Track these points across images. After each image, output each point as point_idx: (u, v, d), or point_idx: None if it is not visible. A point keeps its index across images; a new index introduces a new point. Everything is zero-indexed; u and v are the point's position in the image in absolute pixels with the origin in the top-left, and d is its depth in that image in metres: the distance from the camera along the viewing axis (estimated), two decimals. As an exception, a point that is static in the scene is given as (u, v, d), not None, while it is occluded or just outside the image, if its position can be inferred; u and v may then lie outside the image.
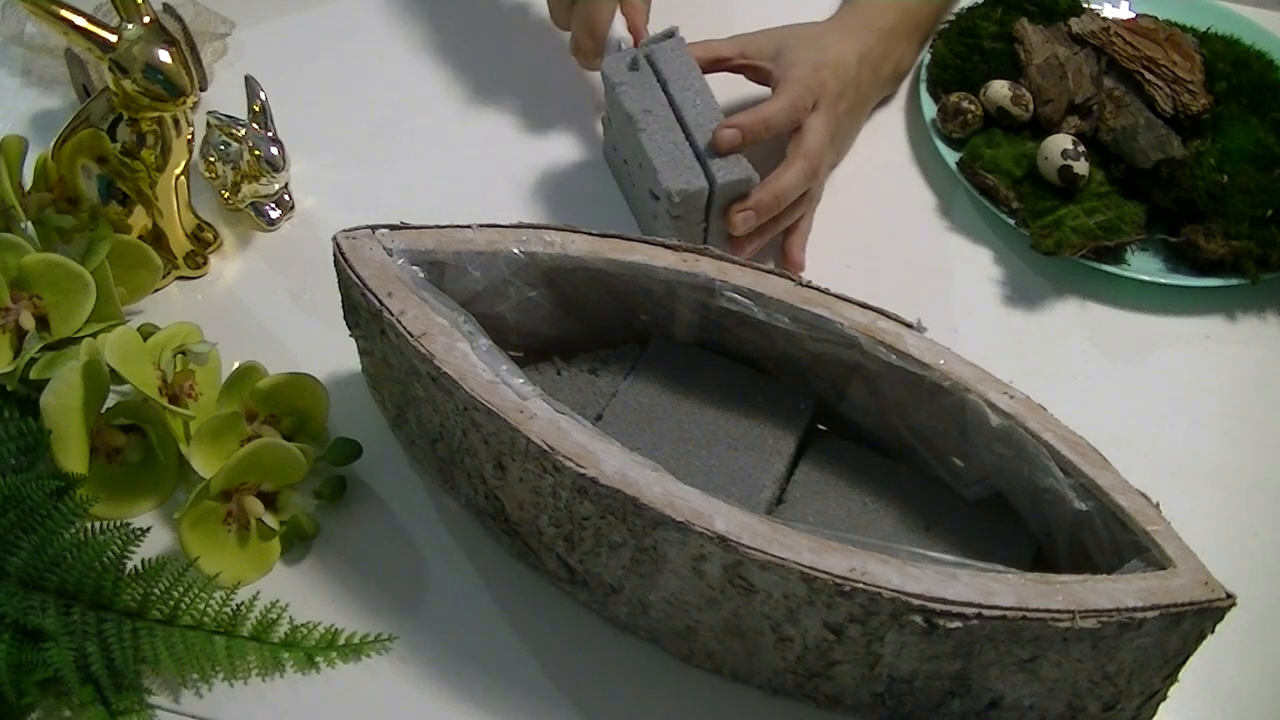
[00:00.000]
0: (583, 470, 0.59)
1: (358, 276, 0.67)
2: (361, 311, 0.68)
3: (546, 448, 0.60)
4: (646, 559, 0.61)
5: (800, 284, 0.69)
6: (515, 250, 0.70)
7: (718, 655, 0.64)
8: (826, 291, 0.69)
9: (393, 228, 0.69)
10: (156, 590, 0.65)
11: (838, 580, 0.56)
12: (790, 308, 0.68)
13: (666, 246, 0.70)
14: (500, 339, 0.66)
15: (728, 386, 0.73)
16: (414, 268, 0.68)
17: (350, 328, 0.71)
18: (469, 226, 0.70)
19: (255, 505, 0.68)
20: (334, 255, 0.68)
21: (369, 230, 0.69)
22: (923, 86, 0.94)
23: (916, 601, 0.56)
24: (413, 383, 0.67)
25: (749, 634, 0.61)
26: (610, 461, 0.60)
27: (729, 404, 0.72)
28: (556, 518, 0.63)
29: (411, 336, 0.64)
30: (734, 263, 0.70)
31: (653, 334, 0.75)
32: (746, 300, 0.69)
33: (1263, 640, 0.69)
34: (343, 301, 0.70)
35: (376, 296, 0.66)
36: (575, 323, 0.73)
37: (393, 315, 0.65)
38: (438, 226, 0.70)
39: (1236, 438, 0.79)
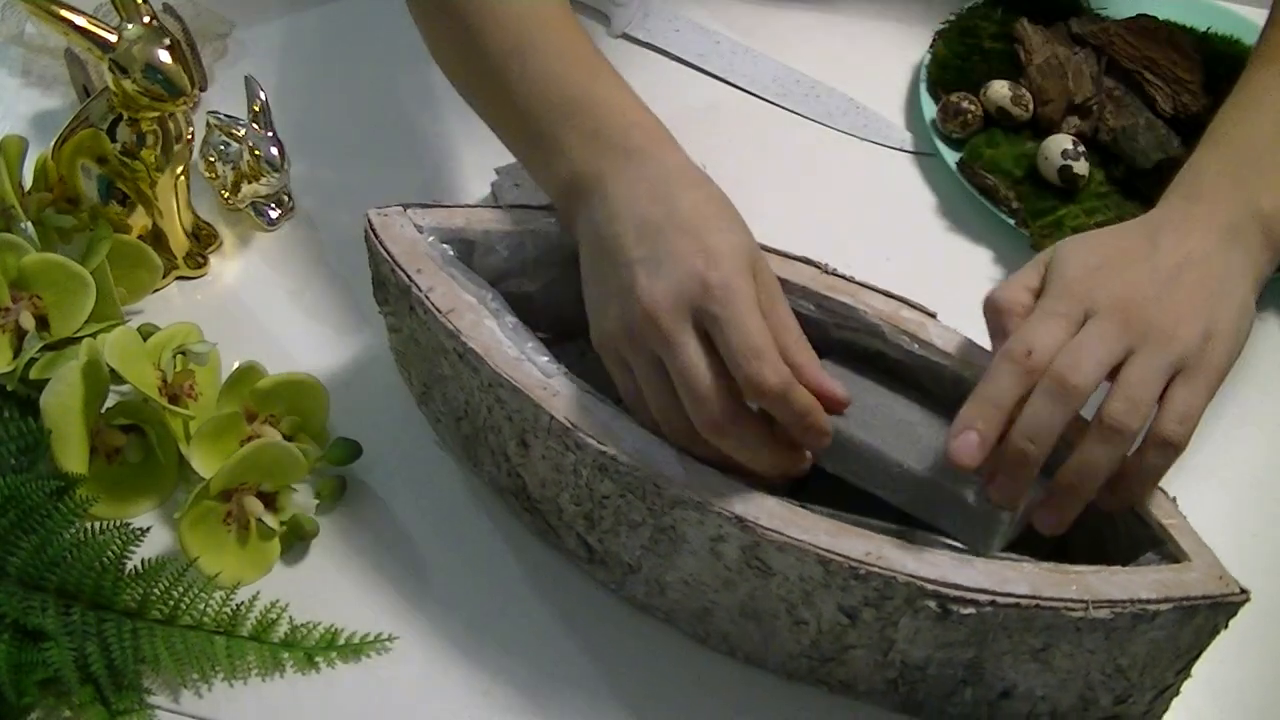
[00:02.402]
0: (604, 448, 0.60)
1: (388, 253, 0.67)
2: (390, 288, 0.69)
3: (569, 425, 0.61)
4: (665, 539, 0.61)
5: (826, 271, 0.69)
6: (543, 230, 0.70)
7: (733, 637, 0.65)
8: (851, 279, 0.69)
9: (424, 206, 0.70)
10: (156, 590, 0.65)
11: (853, 563, 0.57)
12: (815, 294, 0.69)
13: None
14: (527, 318, 0.67)
15: None
16: (444, 245, 0.68)
17: (379, 304, 0.71)
18: (499, 207, 0.71)
19: (255, 505, 0.68)
20: (365, 231, 0.69)
21: (400, 208, 0.70)
22: (923, 86, 0.94)
23: (931, 586, 0.57)
24: (439, 360, 0.67)
25: (764, 616, 0.62)
26: (631, 440, 0.61)
27: None
28: (577, 495, 0.63)
29: (439, 313, 0.65)
30: (761, 247, 0.69)
31: None
32: None
33: (1263, 640, 0.69)
34: (372, 278, 0.71)
35: (406, 272, 0.66)
36: None
37: (421, 291, 0.66)
38: (468, 205, 0.71)
39: (1235, 437, 0.79)
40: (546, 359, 0.64)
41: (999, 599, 0.57)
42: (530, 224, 0.70)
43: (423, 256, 0.67)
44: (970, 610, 0.57)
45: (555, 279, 0.71)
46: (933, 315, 0.68)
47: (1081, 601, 0.57)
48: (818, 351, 0.63)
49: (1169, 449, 0.61)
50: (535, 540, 0.70)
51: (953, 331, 0.68)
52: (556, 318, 0.72)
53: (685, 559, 0.62)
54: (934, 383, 0.68)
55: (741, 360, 0.58)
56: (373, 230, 0.69)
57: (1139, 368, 0.61)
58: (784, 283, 0.68)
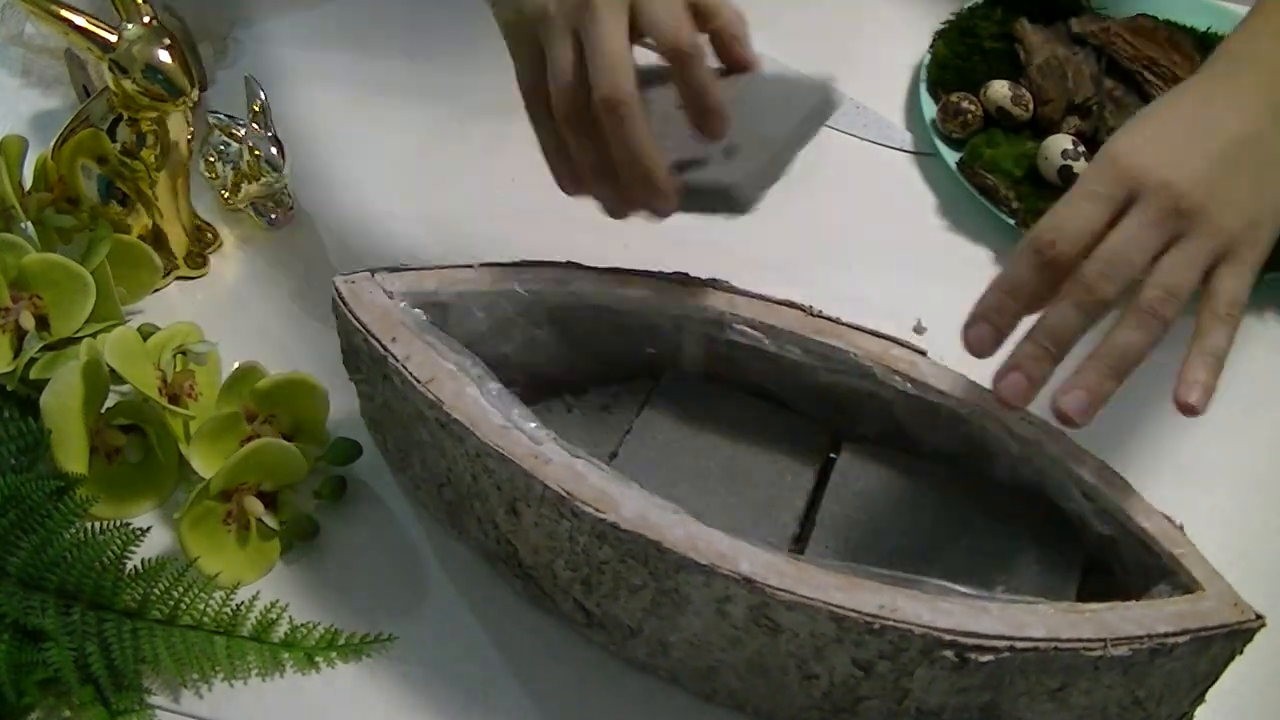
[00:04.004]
0: (602, 515, 0.58)
1: (359, 322, 0.65)
2: (363, 357, 0.67)
3: (564, 493, 0.59)
4: (668, 601, 0.60)
5: (812, 314, 0.68)
6: (519, 289, 0.68)
7: (740, 694, 0.63)
8: (838, 321, 0.68)
9: (392, 270, 0.68)
10: (156, 590, 0.65)
11: (867, 618, 0.56)
12: (802, 339, 0.68)
13: (674, 280, 0.69)
14: (506, 379, 0.64)
15: (743, 420, 0.71)
16: (416, 310, 0.66)
17: (350, 372, 0.70)
18: (471, 266, 0.69)
19: (255, 505, 0.68)
20: (333, 300, 0.67)
21: (368, 274, 0.67)
22: (923, 86, 0.94)
23: (948, 637, 0.55)
24: (417, 428, 0.65)
25: (773, 672, 0.60)
26: (630, 505, 0.59)
27: (745, 438, 0.71)
28: (573, 562, 0.61)
29: (419, 383, 0.63)
30: (743, 294, 0.69)
31: (664, 367, 0.73)
32: (757, 333, 0.68)
33: (1267, 644, 0.69)
34: (342, 347, 0.69)
35: (380, 342, 0.64)
36: (584, 359, 0.72)
37: (398, 361, 0.63)
38: (438, 267, 0.69)
39: (1236, 438, 0.79)
40: (534, 425, 0.61)
41: (1017, 644, 0.56)
42: (505, 284, 0.68)
43: (396, 324, 0.65)
44: (988, 658, 0.56)
45: (533, 338, 0.70)
46: (922, 353, 0.68)
47: (1100, 640, 0.56)
48: None
49: (1223, 330, 0.60)
50: (529, 604, 0.68)
51: (944, 368, 0.67)
52: (535, 376, 0.71)
53: (689, 620, 0.60)
54: (930, 420, 0.68)
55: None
56: (341, 299, 0.66)
57: (1181, 257, 0.60)
58: (770, 328, 0.68)
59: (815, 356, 0.68)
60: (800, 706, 0.62)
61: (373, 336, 0.65)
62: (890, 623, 0.55)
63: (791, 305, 0.69)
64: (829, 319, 0.69)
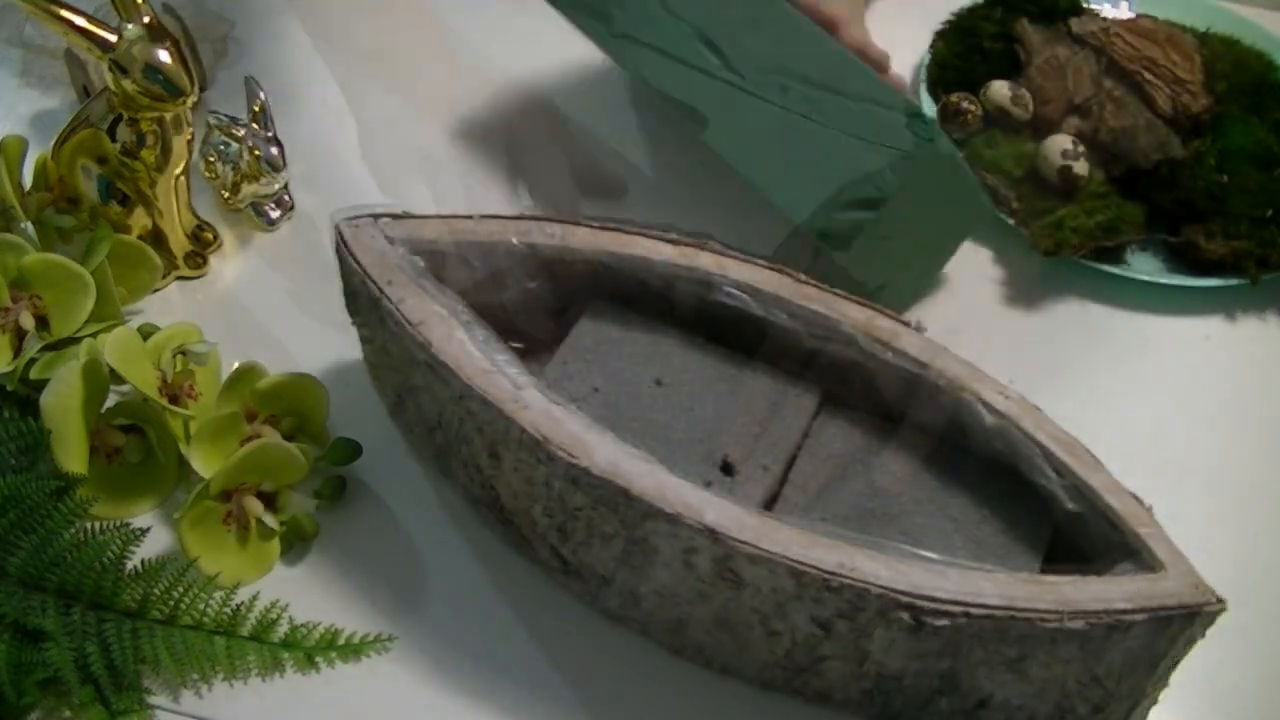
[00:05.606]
0: (575, 460, 0.60)
1: (358, 264, 0.67)
2: (361, 299, 0.68)
3: (540, 438, 0.60)
4: (638, 551, 0.61)
5: (799, 280, 0.69)
6: (516, 241, 0.70)
7: (708, 649, 0.64)
8: (825, 288, 0.69)
9: (395, 216, 0.70)
10: (156, 590, 0.65)
11: (826, 575, 0.57)
12: (788, 304, 0.69)
13: (666, 240, 0.70)
14: (500, 329, 0.66)
15: (731, 377, 0.72)
16: (414, 257, 0.68)
17: (351, 315, 0.71)
18: (470, 216, 0.71)
19: (255, 505, 0.68)
20: (335, 242, 0.68)
21: (371, 218, 0.69)
22: (923, 86, 0.94)
23: (904, 598, 0.56)
24: (411, 371, 0.67)
25: (738, 628, 0.62)
26: (603, 452, 0.60)
27: (733, 396, 0.71)
28: (549, 508, 0.63)
29: (409, 325, 0.65)
30: (733, 257, 0.70)
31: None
32: (744, 295, 0.69)
33: (1263, 640, 0.69)
34: (344, 288, 0.70)
35: (376, 284, 0.66)
36: (575, 313, 0.73)
37: (391, 303, 0.65)
38: (439, 216, 0.70)
39: (1236, 438, 0.79)
40: (517, 370, 0.63)
41: (972, 610, 0.56)
42: (502, 235, 0.70)
43: (393, 268, 0.67)
44: (944, 622, 0.56)
45: (528, 290, 0.71)
46: (907, 325, 0.69)
47: (1056, 612, 0.56)
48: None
49: None
50: (509, 552, 0.69)
51: (927, 340, 0.68)
52: (529, 328, 0.72)
53: (658, 571, 0.61)
54: (909, 390, 0.68)
55: None
56: (343, 241, 0.68)
57: None
58: (757, 291, 0.69)
59: (801, 322, 0.69)
60: (764, 664, 0.63)
61: (370, 279, 0.67)
62: (848, 580, 0.56)
63: (781, 270, 0.70)
64: (816, 285, 0.69)
